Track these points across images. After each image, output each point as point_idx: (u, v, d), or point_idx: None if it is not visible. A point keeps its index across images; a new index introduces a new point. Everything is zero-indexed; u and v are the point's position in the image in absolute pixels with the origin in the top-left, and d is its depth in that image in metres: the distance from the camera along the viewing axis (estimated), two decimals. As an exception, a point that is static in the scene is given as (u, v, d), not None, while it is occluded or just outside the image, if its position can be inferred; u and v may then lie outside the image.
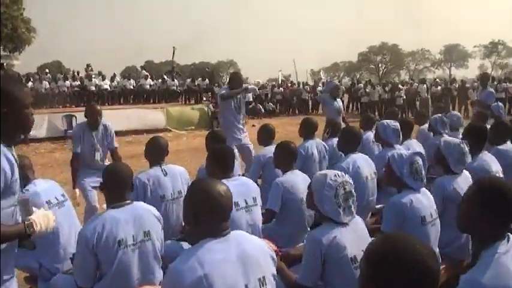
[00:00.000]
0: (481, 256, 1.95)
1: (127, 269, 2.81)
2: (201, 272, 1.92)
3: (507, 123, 5.40)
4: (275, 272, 2.17)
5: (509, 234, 2.03)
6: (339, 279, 2.59)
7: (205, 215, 2.05)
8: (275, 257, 2.22)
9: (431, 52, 68.43)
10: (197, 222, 2.07)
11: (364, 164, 4.56)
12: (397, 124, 5.25)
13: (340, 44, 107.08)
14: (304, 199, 3.88)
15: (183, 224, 2.22)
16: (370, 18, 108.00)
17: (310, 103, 25.23)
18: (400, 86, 23.02)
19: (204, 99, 22.07)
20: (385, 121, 5.30)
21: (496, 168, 4.32)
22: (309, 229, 3.79)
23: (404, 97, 21.38)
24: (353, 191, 2.75)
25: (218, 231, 2.07)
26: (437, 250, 3.23)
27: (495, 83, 21.37)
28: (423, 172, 3.30)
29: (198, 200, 2.09)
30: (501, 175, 4.32)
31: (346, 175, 2.81)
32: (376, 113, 19.97)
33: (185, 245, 3.34)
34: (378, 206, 4.50)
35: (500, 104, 8.11)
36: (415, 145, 5.82)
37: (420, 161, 3.29)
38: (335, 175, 2.73)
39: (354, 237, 2.67)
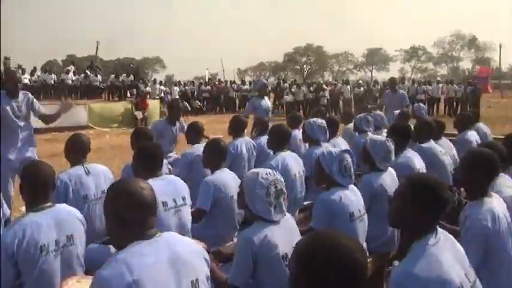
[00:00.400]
0: (412, 249, 1.99)
1: (49, 275, 2.63)
2: (130, 278, 1.79)
3: (431, 122, 5.65)
4: (209, 274, 2.09)
5: (437, 227, 2.08)
6: (270, 277, 2.56)
7: (129, 215, 1.94)
8: (208, 258, 2.14)
9: (355, 55, 71.28)
10: (122, 224, 1.94)
11: (292, 162, 4.58)
12: (323, 122, 5.33)
13: (266, 44, 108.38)
14: (235, 197, 3.85)
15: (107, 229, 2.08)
16: (296, 19, 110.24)
17: (237, 101, 25.32)
18: (324, 86, 23.64)
19: (129, 95, 21.46)
20: (312, 119, 5.36)
21: (419, 165, 4.49)
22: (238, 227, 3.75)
23: (329, 97, 21.99)
24: (284, 189, 2.72)
25: (146, 232, 1.95)
26: (365, 245, 3.29)
27: (415, 85, 22.54)
28: (352, 169, 3.35)
29: (120, 201, 1.97)
30: (424, 171, 4.50)
31: (277, 173, 2.78)
32: (301, 112, 20.37)
33: (112, 249, 3.16)
34: (305, 203, 4.53)
35: (421, 104, 8.53)
36: (341, 143, 5.96)
37: (349, 159, 3.34)
38: (266, 173, 2.69)
39: (285, 234, 2.64)
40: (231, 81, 27.34)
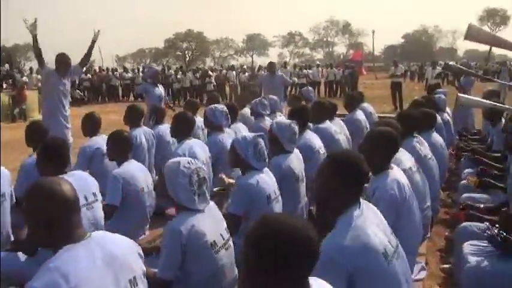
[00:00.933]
0: (338, 223, 2.08)
1: None
2: (66, 286, 1.66)
3: (325, 103, 5.92)
4: (144, 269, 2.01)
5: (360, 200, 2.20)
6: (198, 266, 2.53)
7: (54, 216, 1.79)
8: (141, 252, 2.06)
9: (235, 41, 72.17)
10: (48, 227, 1.79)
11: (199, 149, 4.56)
12: (224, 107, 5.35)
13: (146, 30, 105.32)
14: (145, 190, 3.74)
15: (30, 235, 1.89)
16: (176, 5, 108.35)
17: (120, 90, 24.36)
18: (210, 72, 23.62)
19: (4, 86, 19.58)
20: (213, 105, 5.34)
21: (318, 144, 4.70)
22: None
23: (215, 83, 22.02)
24: (206, 177, 2.70)
25: (75, 233, 1.82)
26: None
27: (297, 69, 23.39)
28: (266, 153, 3.42)
29: (42, 203, 1.80)
30: (323, 151, 4.73)
31: (199, 161, 2.75)
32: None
33: (22, 256, 2.90)
34: (214, 189, 4.53)
35: (310, 88, 8.88)
36: (241, 128, 6.02)
37: (262, 143, 3.40)
38: (188, 162, 2.64)
39: (211, 222, 2.63)
40: (112, 68, 26.12)
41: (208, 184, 2.69)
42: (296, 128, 4.00)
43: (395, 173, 2.99)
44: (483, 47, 65.75)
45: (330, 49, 76.49)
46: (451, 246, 4.37)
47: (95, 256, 1.79)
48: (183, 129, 4.61)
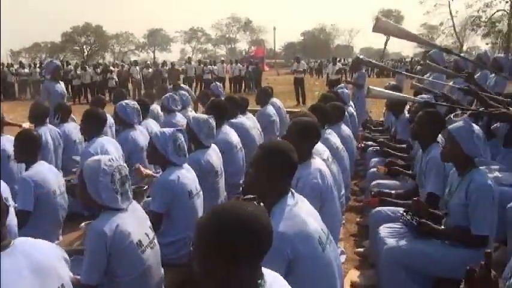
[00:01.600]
0: (274, 212, 2.11)
1: None
2: None
3: (237, 98, 5.95)
4: (71, 274, 1.89)
5: (291, 189, 2.25)
6: (124, 267, 2.43)
7: None
8: (67, 256, 1.93)
9: (135, 35, 70.23)
10: None
11: (112, 147, 4.39)
12: (136, 104, 5.19)
13: (41, 23, 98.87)
14: (57, 192, 3.52)
15: None
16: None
17: (16, 87, 22.62)
18: (111, 68, 22.74)
19: None
20: (124, 102, 5.17)
21: (235, 139, 4.72)
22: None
23: (117, 79, 21.26)
24: (128, 175, 2.60)
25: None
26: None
27: (201, 65, 23.25)
28: (185, 148, 3.36)
29: None
30: (240, 145, 4.75)
31: (120, 159, 2.64)
32: (89, 96, 19.34)
33: None
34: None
35: (218, 83, 8.89)
36: (152, 124, 5.88)
37: (182, 137, 3.34)
38: (109, 160, 2.52)
39: (135, 221, 2.53)
40: (8, 64, 24.14)
41: (129, 182, 2.59)
42: (213, 123, 3.99)
43: (318, 162, 3.09)
44: (378, 45, 69.94)
45: (232, 45, 77.21)
46: (364, 231, 4.62)
47: (21, 266, 1.65)
48: (94, 126, 4.40)
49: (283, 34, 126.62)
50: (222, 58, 31.54)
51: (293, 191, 2.25)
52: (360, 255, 4.11)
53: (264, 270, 1.48)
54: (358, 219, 5.01)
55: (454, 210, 2.94)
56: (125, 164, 2.62)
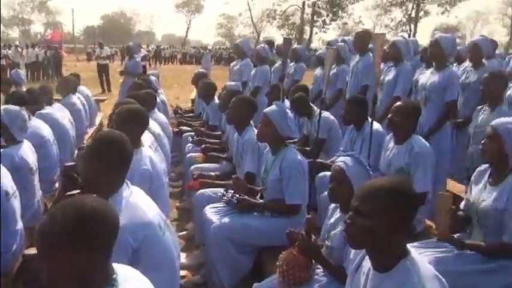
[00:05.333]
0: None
1: None
2: None
3: (38, 88, 5.58)
4: None
5: (127, 181, 2.26)
6: None
7: None
8: None
9: None
10: None
11: None
12: None
13: None
14: None
15: None
16: None
17: None
18: None
19: None
20: None
21: (47, 131, 4.42)
22: None
23: None
24: None
25: None
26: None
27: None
28: None
29: None
30: (52, 137, 4.47)
31: None
32: None
33: None
34: None
35: (20, 70, 8.16)
36: None
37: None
38: None
39: None
40: None
41: None
42: (26, 115, 3.71)
43: (147, 150, 3.14)
44: (180, 32, 70.49)
45: (27, 27, 69.84)
46: (185, 214, 4.82)
47: None
48: None
49: (82, 17, 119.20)
50: (16, 42, 28.32)
51: (127, 181, 2.27)
52: (185, 238, 4.29)
53: (117, 265, 1.51)
54: (177, 204, 5.18)
55: (270, 185, 3.31)
56: None
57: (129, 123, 3.04)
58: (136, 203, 2.15)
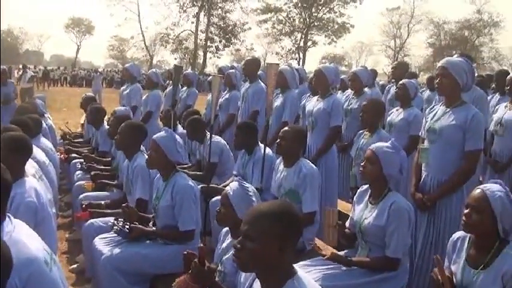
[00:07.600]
0: None
1: None
2: None
3: None
4: None
5: (8, 215, 2.10)
6: None
7: None
8: None
9: None
10: None
11: None
12: None
13: None
14: None
15: None
16: None
17: None
18: None
19: None
20: None
21: None
22: None
23: None
24: None
25: None
26: None
27: None
28: None
29: None
30: None
31: None
32: None
33: None
34: None
35: None
36: None
37: None
38: None
39: None
40: None
41: None
42: None
43: (31, 180, 2.94)
44: (70, 53, 67.44)
45: None
46: (75, 246, 4.57)
47: None
48: None
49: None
50: None
51: (9, 215, 2.11)
52: (75, 272, 4.08)
53: None
54: (67, 235, 4.92)
55: (162, 212, 3.27)
56: None
57: (12, 151, 2.82)
58: (20, 239, 1.99)
